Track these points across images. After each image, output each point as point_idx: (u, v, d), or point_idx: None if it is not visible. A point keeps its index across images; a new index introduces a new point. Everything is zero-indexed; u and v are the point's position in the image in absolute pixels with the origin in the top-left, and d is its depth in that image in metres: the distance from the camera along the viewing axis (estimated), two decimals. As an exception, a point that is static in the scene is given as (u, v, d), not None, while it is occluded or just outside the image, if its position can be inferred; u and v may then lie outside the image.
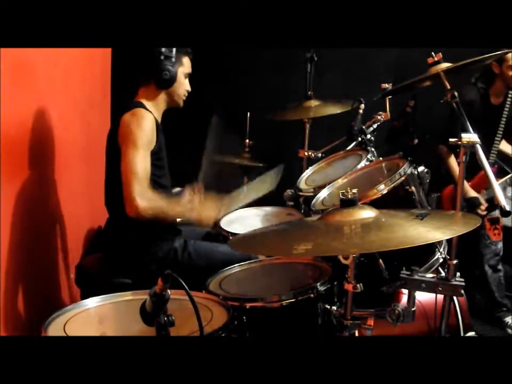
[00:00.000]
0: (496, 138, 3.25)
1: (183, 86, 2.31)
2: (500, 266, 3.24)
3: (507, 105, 3.25)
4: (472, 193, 3.12)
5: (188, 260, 2.21)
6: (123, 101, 2.32)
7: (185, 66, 2.29)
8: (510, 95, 3.27)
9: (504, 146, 3.37)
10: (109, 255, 2.30)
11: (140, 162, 2.09)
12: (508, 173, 3.24)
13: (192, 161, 2.42)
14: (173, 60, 2.22)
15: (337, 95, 3.07)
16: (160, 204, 2.10)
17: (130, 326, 1.51)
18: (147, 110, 2.20)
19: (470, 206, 3.09)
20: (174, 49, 2.23)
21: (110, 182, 2.26)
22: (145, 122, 2.14)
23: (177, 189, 2.61)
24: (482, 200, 3.11)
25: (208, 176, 2.39)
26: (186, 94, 2.34)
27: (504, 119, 3.24)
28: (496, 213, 3.16)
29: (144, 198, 2.05)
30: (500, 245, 3.23)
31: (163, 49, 2.20)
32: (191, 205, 2.17)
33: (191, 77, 2.36)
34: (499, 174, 3.22)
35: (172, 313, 1.23)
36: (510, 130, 3.27)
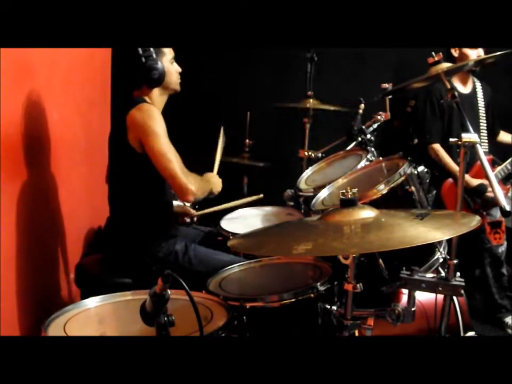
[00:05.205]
0: (481, 128, 3.23)
1: (173, 74, 2.27)
2: (503, 270, 3.18)
3: (479, 96, 3.24)
4: (475, 182, 3.08)
5: (188, 265, 2.20)
6: (123, 100, 2.31)
7: (166, 53, 2.23)
8: (478, 85, 3.27)
9: (505, 136, 3.36)
10: (109, 255, 2.30)
11: (170, 149, 2.12)
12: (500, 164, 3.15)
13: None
14: (154, 56, 2.16)
15: (337, 97, 3.09)
16: (200, 182, 2.22)
17: (130, 326, 1.51)
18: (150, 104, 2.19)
19: (478, 193, 3.05)
20: None
21: (115, 180, 2.27)
22: (156, 114, 2.14)
23: None
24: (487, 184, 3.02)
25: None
26: (179, 76, 2.31)
27: (483, 108, 3.24)
28: (497, 216, 3.13)
29: (191, 182, 2.13)
30: (502, 248, 3.15)
31: (140, 51, 2.14)
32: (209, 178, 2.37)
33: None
34: (493, 164, 3.15)
35: (171, 313, 1.23)
36: (489, 120, 3.28)
